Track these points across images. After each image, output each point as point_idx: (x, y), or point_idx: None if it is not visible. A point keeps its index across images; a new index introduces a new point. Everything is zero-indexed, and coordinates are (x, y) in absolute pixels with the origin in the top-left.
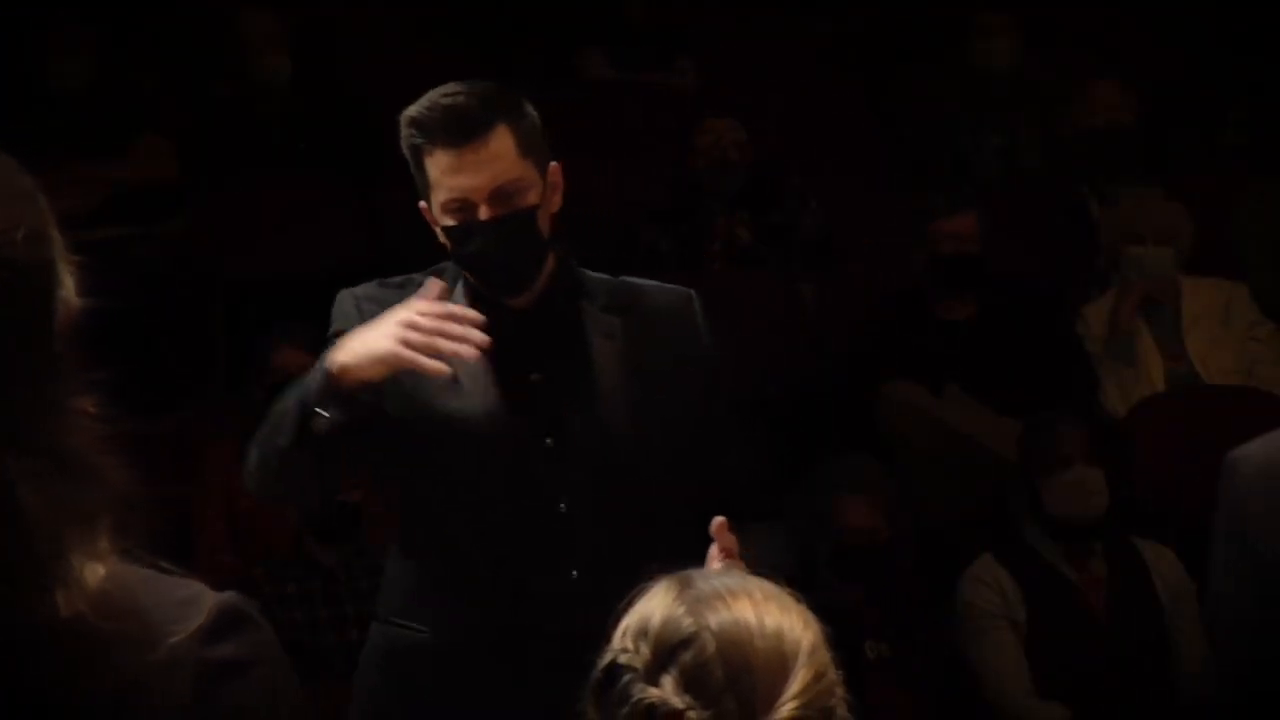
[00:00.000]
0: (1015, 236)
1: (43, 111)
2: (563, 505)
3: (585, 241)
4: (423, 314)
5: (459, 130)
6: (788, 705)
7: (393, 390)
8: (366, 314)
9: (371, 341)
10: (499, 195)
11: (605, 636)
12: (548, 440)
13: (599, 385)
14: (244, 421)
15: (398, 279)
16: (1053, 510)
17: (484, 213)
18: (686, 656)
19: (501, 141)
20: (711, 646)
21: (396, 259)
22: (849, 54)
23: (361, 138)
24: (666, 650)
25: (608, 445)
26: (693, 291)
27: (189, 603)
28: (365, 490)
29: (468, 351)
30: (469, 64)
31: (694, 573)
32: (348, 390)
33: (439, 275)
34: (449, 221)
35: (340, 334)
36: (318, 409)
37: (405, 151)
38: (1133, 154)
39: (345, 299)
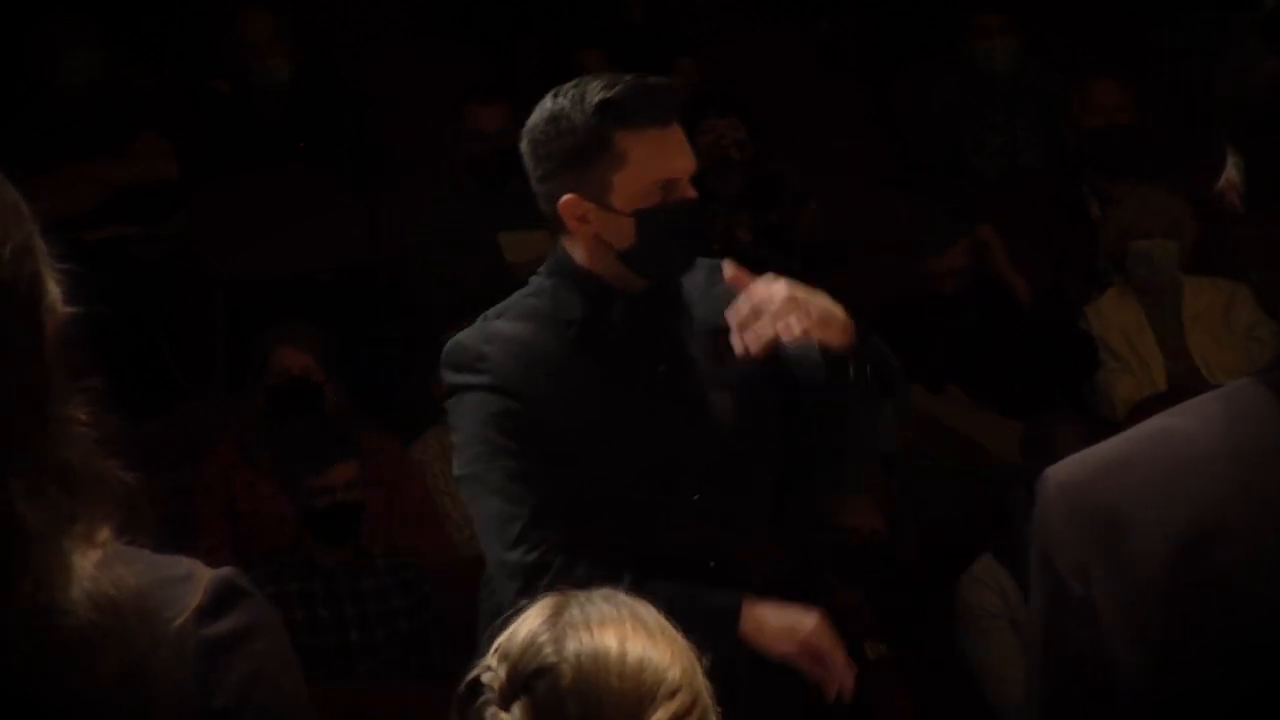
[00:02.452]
0: (1015, 236)
1: (43, 112)
2: (696, 496)
3: None
4: (825, 642)
5: (668, 108)
6: None
7: (549, 404)
8: (499, 355)
9: (780, 635)
10: (691, 177)
11: None
12: (682, 432)
13: (707, 370)
14: (244, 421)
15: (492, 312)
16: None
17: (689, 191)
18: (541, 686)
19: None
20: (567, 679)
21: (395, 259)
22: (849, 54)
23: (361, 138)
24: (522, 677)
25: (726, 428)
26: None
27: (184, 581)
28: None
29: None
30: (469, 64)
31: (574, 597)
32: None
33: (535, 296)
34: (645, 204)
35: (489, 387)
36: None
37: (581, 139)
38: (1133, 154)
39: (463, 347)
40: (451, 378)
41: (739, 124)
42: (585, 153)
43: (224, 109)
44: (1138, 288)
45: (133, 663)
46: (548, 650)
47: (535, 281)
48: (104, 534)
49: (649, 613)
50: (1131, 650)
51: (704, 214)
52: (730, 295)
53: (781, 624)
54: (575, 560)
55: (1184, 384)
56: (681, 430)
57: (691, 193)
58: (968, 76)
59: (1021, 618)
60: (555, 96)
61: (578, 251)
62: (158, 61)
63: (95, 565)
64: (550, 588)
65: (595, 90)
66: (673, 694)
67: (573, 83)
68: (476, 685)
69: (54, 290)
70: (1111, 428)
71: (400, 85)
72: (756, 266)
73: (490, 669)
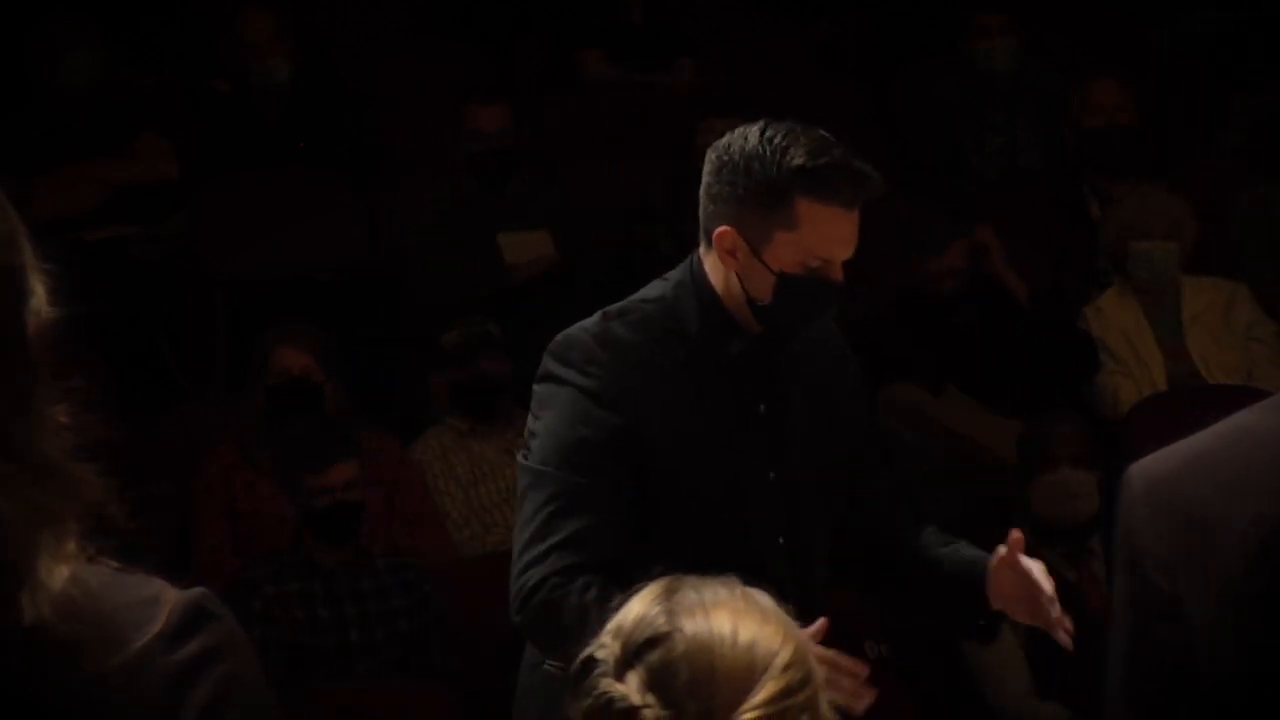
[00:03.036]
0: (1015, 236)
1: (43, 112)
2: (781, 539)
3: (585, 240)
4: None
5: (861, 195)
6: (748, 715)
7: (652, 419)
8: (612, 361)
9: None
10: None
11: None
12: (770, 475)
13: (803, 418)
14: (244, 421)
15: (612, 310)
16: (1037, 510)
17: (838, 273)
18: (654, 656)
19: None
20: (680, 648)
21: (395, 259)
22: (849, 54)
23: (361, 138)
24: (635, 647)
25: (814, 479)
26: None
27: (150, 603)
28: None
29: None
30: (469, 64)
31: (686, 579)
32: None
33: (654, 304)
34: (793, 271)
35: (591, 392)
36: None
37: (765, 186)
38: (1133, 153)
39: (578, 344)
40: (556, 368)
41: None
42: (763, 200)
43: (224, 109)
44: (1138, 288)
45: (93, 679)
46: (660, 622)
47: (658, 286)
48: (73, 545)
49: (763, 598)
50: (1218, 648)
51: (839, 298)
52: (844, 351)
53: None
54: (571, 583)
55: (1184, 384)
56: (767, 470)
57: (839, 275)
58: (968, 76)
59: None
60: (764, 132)
61: (715, 274)
62: (158, 61)
63: (66, 572)
64: (538, 605)
65: (800, 152)
66: (783, 669)
67: (785, 127)
68: (590, 661)
69: (39, 289)
70: (1111, 428)
71: (400, 85)
72: None
73: (604, 645)
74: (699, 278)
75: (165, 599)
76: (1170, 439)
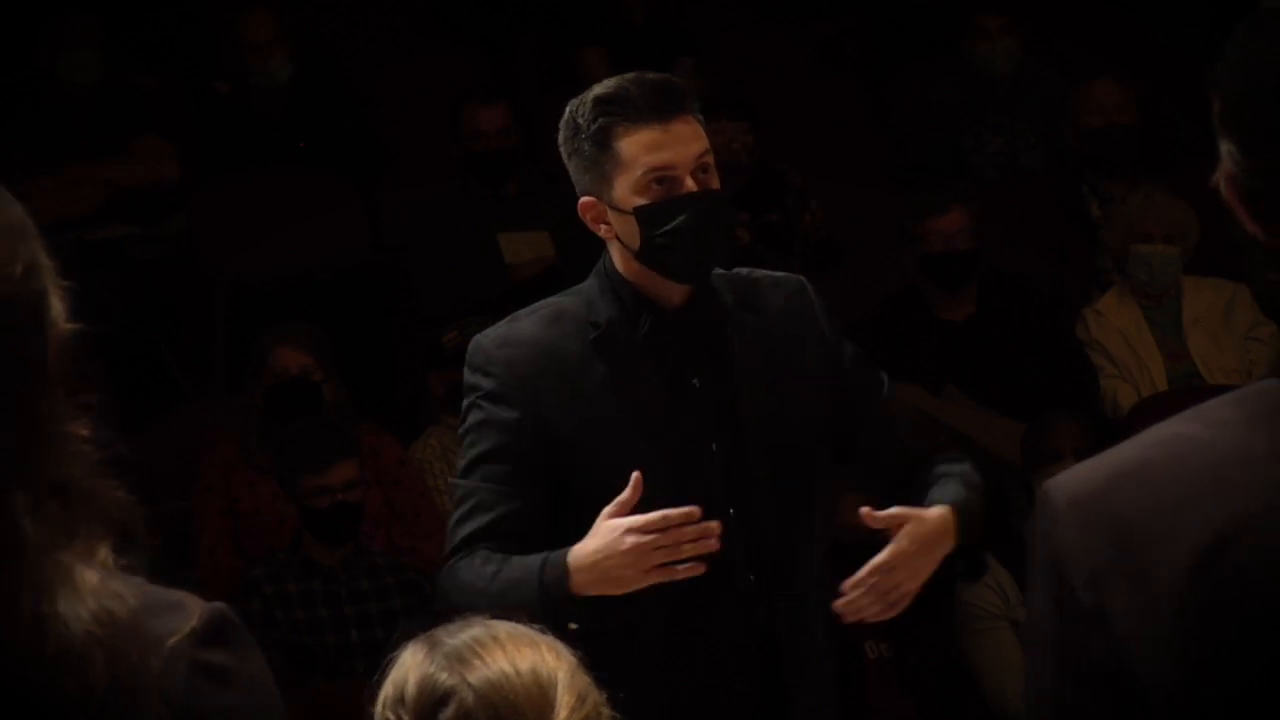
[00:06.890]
0: (1015, 236)
1: (44, 112)
2: (731, 510)
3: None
4: (647, 532)
5: (662, 103)
6: None
7: (562, 408)
8: (509, 360)
9: (613, 571)
10: (700, 169)
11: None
12: (712, 446)
13: (752, 387)
14: (244, 421)
15: (524, 311)
16: None
17: (690, 185)
18: (447, 713)
19: (693, 121)
20: (470, 697)
21: (396, 259)
22: (849, 54)
23: (361, 138)
24: (427, 711)
25: (768, 446)
26: (803, 279)
27: (179, 607)
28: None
29: (706, 547)
30: (469, 64)
31: (439, 631)
32: (585, 601)
33: (571, 295)
34: (642, 201)
35: (490, 394)
36: (565, 619)
37: (585, 141)
38: (1133, 154)
39: (479, 349)
40: (465, 376)
41: (748, 128)
42: (591, 155)
43: (224, 109)
44: (1138, 291)
45: (125, 675)
46: (442, 678)
47: (583, 283)
48: (104, 553)
49: (516, 626)
50: (1154, 662)
51: (715, 207)
52: (812, 313)
53: (595, 569)
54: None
55: (1184, 385)
56: (708, 441)
57: (693, 186)
58: (967, 77)
59: (1021, 618)
60: (571, 101)
61: (614, 255)
62: (158, 61)
63: (96, 581)
64: (448, 576)
65: (596, 89)
66: (570, 682)
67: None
68: None
69: (58, 306)
70: (1112, 428)
71: (400, 85)
72: (756, 266)
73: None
74: (606, 265)
75: (192, 604)
76: None
